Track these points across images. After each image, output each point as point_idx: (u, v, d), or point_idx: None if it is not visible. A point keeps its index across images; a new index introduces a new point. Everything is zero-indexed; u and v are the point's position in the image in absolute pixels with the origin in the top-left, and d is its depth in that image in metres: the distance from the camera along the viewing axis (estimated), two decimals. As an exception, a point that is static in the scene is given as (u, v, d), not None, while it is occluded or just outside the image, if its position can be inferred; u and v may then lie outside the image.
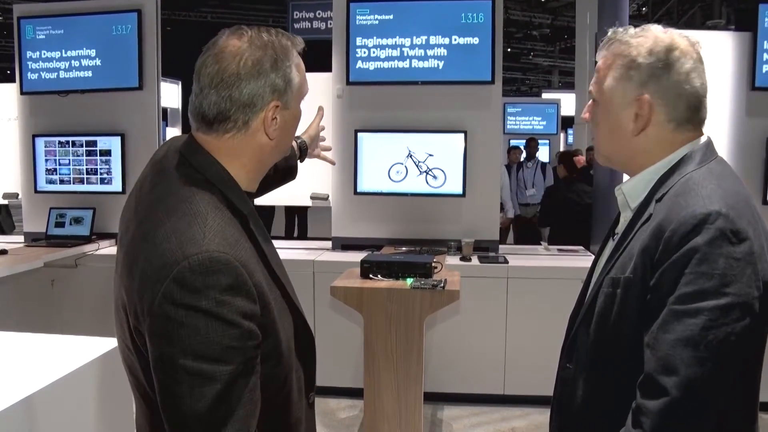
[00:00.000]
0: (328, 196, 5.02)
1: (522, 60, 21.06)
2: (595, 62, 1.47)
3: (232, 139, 1.24)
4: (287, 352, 1.25)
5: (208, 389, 1.07)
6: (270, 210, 8.70)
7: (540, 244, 5.36)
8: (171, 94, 9.24)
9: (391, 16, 4.71)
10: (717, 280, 1.16)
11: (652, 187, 1.36)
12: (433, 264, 3.38)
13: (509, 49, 18.76)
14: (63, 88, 5.07)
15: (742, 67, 4.57)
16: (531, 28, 17.59)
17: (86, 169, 5.06)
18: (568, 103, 12.95)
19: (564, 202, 6.37)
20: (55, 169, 5.10)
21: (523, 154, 9.27)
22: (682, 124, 1.36)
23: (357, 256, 3.65)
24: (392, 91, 4.79)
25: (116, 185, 5.00)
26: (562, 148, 13.22)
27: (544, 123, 12.99)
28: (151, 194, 1.23)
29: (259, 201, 5.45)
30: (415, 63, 4.71)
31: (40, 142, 5.11)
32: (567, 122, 13.69)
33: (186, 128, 9.58)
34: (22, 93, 5.16)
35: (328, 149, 2.47)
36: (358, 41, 4.74)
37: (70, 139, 5.07)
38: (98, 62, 5.00)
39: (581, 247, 5.22)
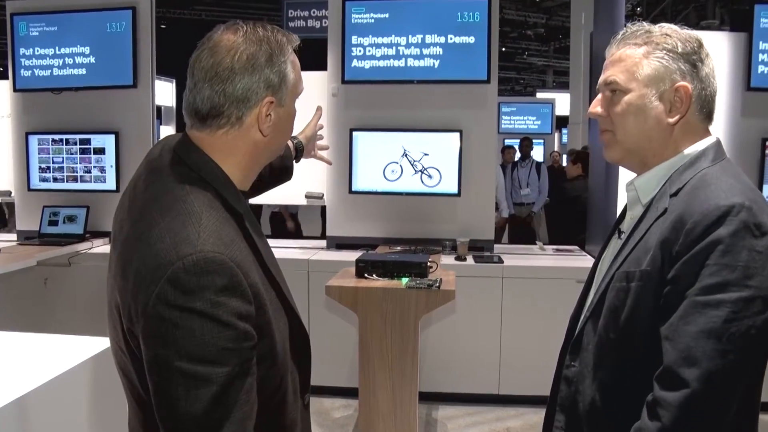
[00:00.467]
0: (323, 195, 5.01)
1: (516, 59, 21.08)
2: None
3: (226, 136, 1.23)
4: (283, 353, 1.23)
5: (203, 391, 1.06)
6: (257, 209, 8.65)
7: (535, 244, 5.35)
8: (165, 93, 9.20)
9: (387, 15, 4.70)
10: (740, 272, 1.17)
11: (665, 183, 1.36)
12: (429, 264, 3.37)
13: (504, 49, 18.77)
14: (57, 86, 5.04)
15: (737, 67, 4.58)
16: (526, 28, 17.61)
17: (80, 167, 5.04)
18: (562, 102, 13.00)
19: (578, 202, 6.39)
20: (49, 167, 5.08)
21: (518, 154, 9.27)
22: (706, 119, 1.38)
23: (352, 256, 3.64)
24: (388, 90, 4.78)
25: (110, 183, 4.98)
26: (556, 148, 13.26)
27: (539, 123, 13.02)
28: (145, 193, 1.21)
29: (253, 199, 5.41)
30: (411, 62, 4.70)
31: (34, 140, 5.08)
32: (561, 122, 13.73)
33: (180, 126, 9.55)
34: (15, 90, 5.13)
35: (325, 148, 2.43)
36: (354, 40, 4.73)
37: (64, 137, 5.04)
38: (92, 60, 4.97)
39: (576, 247, 5.22)
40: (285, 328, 1.26)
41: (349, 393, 4.24)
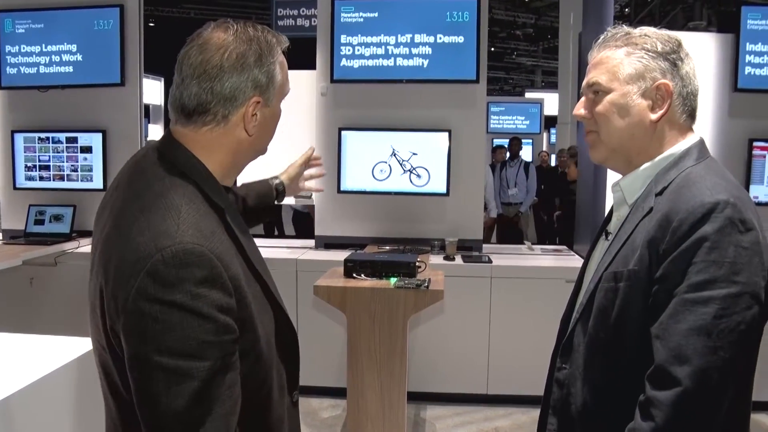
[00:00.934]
0: (312, 195, 4.99)
1: (505, 59, 21.12)
2: (581, 63, 1.47)
3: (210, 133, 1.23)
4: (267, 349, 1.23)
5: (185, 387, 1.05)
6: (277, 209, 8.59)
7: (523, 244, 5.36)
8: (153, 91, 9.17)
9: (376, 14, 4.69)
10: (727, 268, 1.18)
11: (649, 183, 1.37)
12: (417, 263, 3.37)
13: (493, 49, 18.81)
14: (43, 84, 4.99)
15: (724, 68, 4.60)
16: (514, 28, 17.65)
17: (67, 165, 5.00)
18: (551, 102, 13.04)
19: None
20: (35, 166, 5.04)
21: (507, 154, 9.30)
22: (689, 117, 1.40)
23: (340, 255, 3.63)
24: (376, 89, 4.78)
25: (97, 182, 4.94)
26: (545, 148, 13.30)
27: (528, 122, 13.06)
28: (127, 191, 1.21)
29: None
30: (400, 61, 4.69)
31: (19, 138, 5.04)
32: (550, 122, 13.77)
33: (168, 125, 9.55)
34: (0, 88, 5.08)
35: (318, 176, 2.34)
36: (343, 39, 4.72)
37: (50, 135, 5.00)
38: (79, 57, 4.93)
39: (564, 247, 5.24)
40: (270, 323, 1.25)
41: (337, 393, 4.24)
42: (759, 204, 4.47)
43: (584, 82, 1.45)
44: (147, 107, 8.98)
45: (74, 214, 4.84)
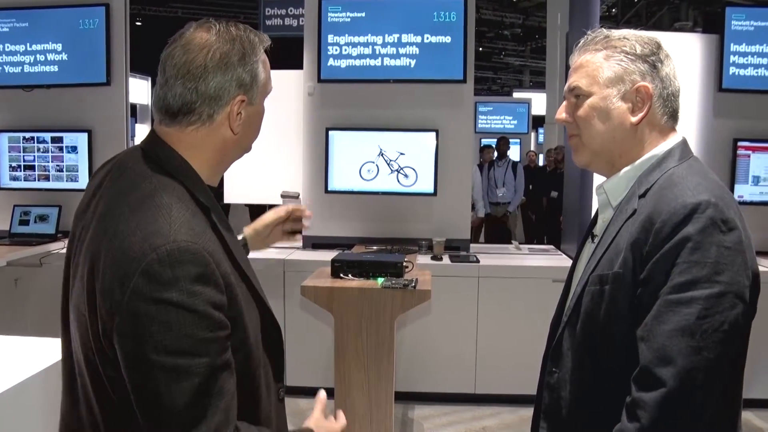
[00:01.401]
0: (299, 195, 4.99)
1: (493, 59, 21.18)
2: (568, 64, 1.48)
3: (196, 132, 1.23)
4: (255, 345, 1.23)
5: (185, 384, 1.05)
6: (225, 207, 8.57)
7: (511, 243, 5.38)
8: (140, 90, 9.13)
9: (363, 14, 4.69)
10: (710, 269, 1.18)
11: (633, 185, 1.37)
12: (404, 263, 3.37)
13: (481, 49, 18.86)
14: (28, 83, 4.95)
15: (709, 68, 4.64)
16: (502, 28, 17.71)
17: (52, 165, 4.97)
18: (539, 102, 13.09)
19: None
20: (20, 166, 5.00)
21: (494, 154, 9.31)
22: (670, 118, 1.40)
23: (328, 255, 3.62)
24: (364, 89, 4.78)
25: (83, 182, 4.91)
26: (532, 147, 13.34)
27: (515, 122, 13.09)
28: (112, 191, 1.20)
29: (229, 199, 5.35)
30: (387, 61, 4.70)
31: (4, 138, 5.00)
32: (538, 121, 13.82)
33: (155, 125, 9.49)
34: (-15, 87, 5.04)
35: (307, 216, 2.05)
36: (330, 39, 4.72)
37: (35, 135, 4.97)
38: (65, 57, 4.90)
39: (552, 247, 5.27)
40: (256, 321, 1.26)
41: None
42: (744, 203, 4.51)
43: (566, 86, 1.46)
44: (134, 107, 8.94)
45: (59, 215, 4.81)
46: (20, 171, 5.00)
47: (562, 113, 1.47)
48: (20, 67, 4.96)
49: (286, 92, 4.84)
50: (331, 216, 4.89)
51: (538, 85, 18.33)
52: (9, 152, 5.00)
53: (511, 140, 10.07)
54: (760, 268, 1.32)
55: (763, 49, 4.58)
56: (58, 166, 4.96)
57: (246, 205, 8.09)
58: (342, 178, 4.78)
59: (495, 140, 9.57)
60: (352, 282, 3.23)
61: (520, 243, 5.35)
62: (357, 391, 3.24)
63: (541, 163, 11.44)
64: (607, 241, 1.35)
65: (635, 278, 1.26)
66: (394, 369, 3.28)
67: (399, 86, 4.74)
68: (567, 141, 1.53)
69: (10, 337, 2.18)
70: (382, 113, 4.79)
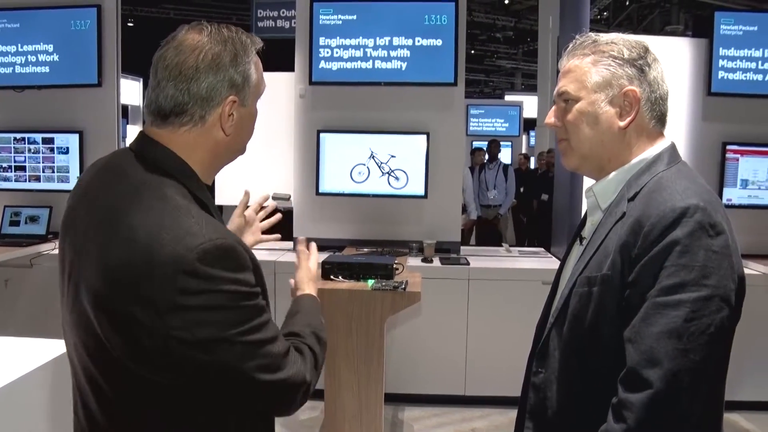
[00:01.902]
0: (290, 197, 5.00)
1: (485, 62, 21.20)
2: (557, 68, 1.49)
3: (188, 134, 1.24)
4: None
5: (269, 348, 1.19)
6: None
7: (501, 246, 5.40)
8: (132, 91, 9.10)
9: (355, 17, 4.70)
10: (697, 272, 1.20)
11: (622, 188, 1.39)
12: (395, 265, 3.39)
13: (473, 51, 18.88)
14: (19, 84, 4.94)
15: (698, 72, 4.67)
16: (494, 31, 17.72)
17: (43, 166, 4.96)
18: (530, 105, 13.12)
19: None
20: (10, 167, 4.99)
21: (485, 156, 9.34)
22: (658, 122, 1.42)
23: (318, 257, 3.63)
24: (355, 91, 4.79)
25: (73, 184, 4.88)
26: (524, 150, 13.37)
27: (507, 125, 13.13)
28: (111, 195, 1.20)
29: (220, 201, 5.34)
30: (378, 64, 4.71)
31: (-5, 139, 4.99)
32: (529, 124, 13.85)
33: (146, 126, 9.45)
34: (-25, 88, 5.03)
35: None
36: (321, 41, 4.73)
37: (26, 135, 4.95)
38: (56, 57, 4.90)
39: (542, 249, 5.29)
40: None
41: (314, 394, 4.22)
42: (732, 207, 4.54)
43: (554, 91, 1.48)
44: (125, 108, 8.92)
45: (50, 216, 4.79)
46: (11, 172, 4.99)
47: (551, 117, 1.49)
48: (11, 68, 4.95)
49: (278, 94, 4.85)
50: (321, 218, 4.90)
51: (530, 88, 18.36)
52: (0, 153, 4.99)
53: (502, 143, 10.09)
54: (749, 271, 1.35)
55: (751, 54, 4.62)
56: (49, 167, 4.95)
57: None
58: (333, 180, 4.79)
59: (486, 143, 9.60)
60: (342, 284, 3.25)
61: (510, 245, 5.37)
62: (347, 392, 3.25)
63: (532, 165, 11.47)
64: (596, 243, 1.37)
65: (623, 280, 1.27)
66: (384, 370, 3.30)
67: (390, 89, 4.76)
68: (557, 144, 1.55)
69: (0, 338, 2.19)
70: (373, 116, 4.80)
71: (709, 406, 1.26)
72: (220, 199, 4.99)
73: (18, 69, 4.94)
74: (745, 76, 4.65)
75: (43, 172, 4.97)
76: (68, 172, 4.93)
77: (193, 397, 1.17)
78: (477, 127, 12.89)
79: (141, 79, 9.36)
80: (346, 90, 4.80)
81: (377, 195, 4.77)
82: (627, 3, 14.88)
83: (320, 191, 4.81)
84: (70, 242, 1.25)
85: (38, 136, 4.95)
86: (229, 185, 4.96)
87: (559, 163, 5.41)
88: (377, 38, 4.69)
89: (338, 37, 4.72)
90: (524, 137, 14.25)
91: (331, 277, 3.29)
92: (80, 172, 4.87)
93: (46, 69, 4.91)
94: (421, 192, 4.72)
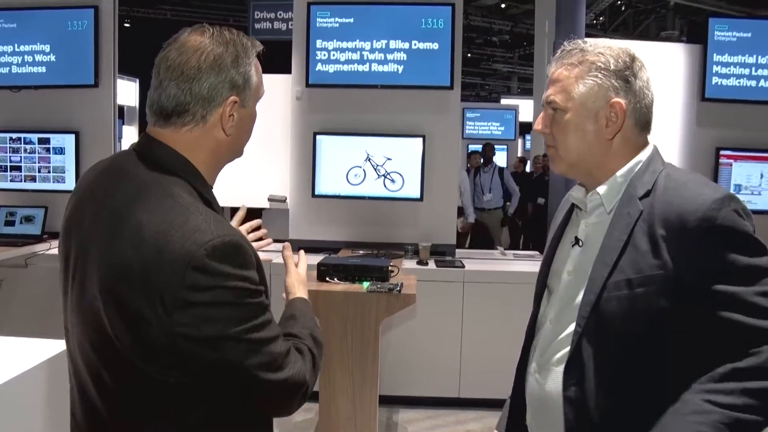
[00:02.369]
0: (286, 198, 5.01)
1: (482, 65, 21.23)
2: (547, 74, 1.51)
3: (190, 133, 1.25)
4: None
5: (271, 347, 1.21)
6: None
7: (496, 249, 5.41)
8: (128, 92, 9.08)
9: (352, 20, 4.72)
10: (756, 245, 1.28)
11: (625, 189, 1.41)
12: (390, 268, 3.39)
13: (469, 55, 18.91)
14: (15, 84, 4.94)
15: (693, 78, 4.70)
16: (491, 34, 17.76)
17: (38, 166, 4.95)
18: (526, 109, 13.14)
19: None
20: (6, 167, 4.98)
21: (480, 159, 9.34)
22: (643, 129, 1.44)
23: (314, 259, 3.64)
24: (351, 94, 4.81)
25: (69, 184, 4.90)
26: (519, 154, 13.39)
27: (503, 128, 13.15)
28: (118, 196, 1.21)
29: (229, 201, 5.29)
30: (375, 67, 4.72)
31: (-9, 139, 4.99)
32: (525, 128, 13.87)
33: (143, 127, 9.43)
34: (-28, 87, 5.02)
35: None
36: (318, 44, 4.75)
37: (22, 135, 4.95)
38: (52, 58, 4.90)
39: (536, 252, 5.30)
40: None
41: (309, 396, 4.24)
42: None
43: (543, 97, 1.49)
44: (121, 108, 8.89)
45: (45, 216, 4.79)
46: (7, 172, 4.98)
47: (539, 124, 1.50)
48: (8, 68, 4.95)
49: (275, 96, 4.85)
50: (317, 220, 4.90)
51: (526, 92, 18.40)
52: (-5, 153, 4.99)
53: (498, 146, 10.11)
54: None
55: (745, 60, 4.66)
56: (44, 167, 4.95)
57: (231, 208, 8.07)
58: (329, 182, 4.80)
59: (481, 146, 9.61)
60: (337, 285, 3.25)
61: (505, 248, 5.39)
62: (341, 394, 3.26)
63: (527, 169, 11.49)
64: (614, 245, 1.36)
65: (678, 276, 1.28)
66: (379, 372, 3.31)
67: (386, 92, 4.77)
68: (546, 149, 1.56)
69: (-5, 338, 2.18)
70: (369, 118, 4.81)
71: None
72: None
73: (15, 69, 4.94)
74: (739, 82, 4.68)
75: (39, 172, 4.96)
76: (64, 172, 4.93)
77: (196, 396, 1.19)
78: (473, 130, 12.90)
79: (137, 80, 9.34)
80: (343, 92, 4.81)
81: (373, 197, 4.78)
82: (623, 8, 14.93)
83: (316, 193, 4.82)
84: (75, 242, 1.26)
85: (34, 136, 4.95)
86: (226, 187, 4.95)
87: (553, 167, 5.43)
88: (374, 41, 4.71)
89: (335, 40, 4.74)
90: (520, 141, 14.28)
91: (327, 278, 3.30)
92: (76, 173, 4.88)
93: (43, 69, 4.92)
94: (417, 195, 4.73)
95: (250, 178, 4.86)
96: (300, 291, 1.67)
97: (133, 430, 1.21)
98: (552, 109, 1.46)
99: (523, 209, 9.65)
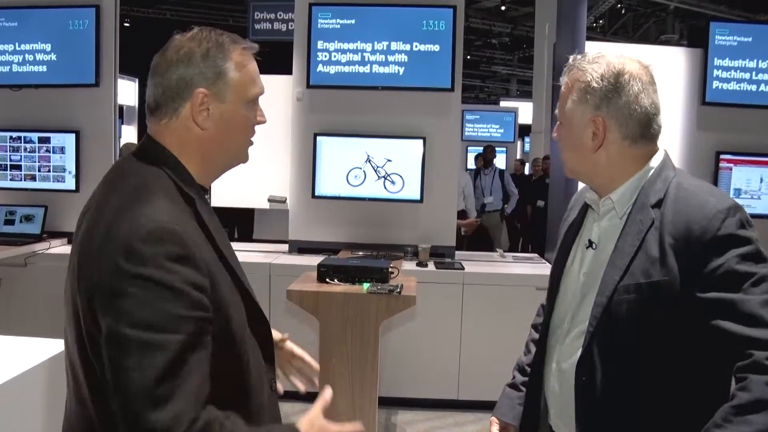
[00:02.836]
0: (286, 199, 5.01)
1: (481, 68, 21.24)
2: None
3: (168, 126, 1.30)
4: (241, 333, 1.27)
5: (156, 359, 1.06)
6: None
7: (495, 251, 5.41)
8: (128, 92, 9.08)
9: (353, 21, 4.72)
10: (757, 255, 1.31)
11: (638, 195, 1.45)
12: (390, 269, 3.39)
13: (468, 57, 18.90)
14: (16, 82, 4.93)
15: (693, 82, 4.71)
16: (490, 37, 17.76)
17: (39, 166, 4.95)
18: (525, 111, 13.14)
19: None
20: (6, 165, 4.97)
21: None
22: (637, 140, 1.46)
23: (314, 260, 3.64)
24: (352, 95, 4.81)
25: (69, 183, 4.90)
26: (518, 156, 13.39)
27: (502, 131, 13.16)
28: (105, 188, 1.28)
29: (216, 202, 5.33)
30: (376, 68, 4.73)
31: (-9, 137, 4.98)
32: (524, 130, 13.87)
33: (142, 126, 9.39)
34: (-28, 86, 5.01)
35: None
36: (320, 45, 4.75)
37: (23, 134, 4.95)
38: (53, 57, 4.89)
39: (536, 255, 5.30)
40: (242, 311, 1.29)
41: (308, 397, 4.23)
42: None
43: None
44: (121, 108, 8.89)
45: (45, 215, 4.78)
46: (7, 171, 4.98)
47: (555, 133, 1.58)
48: (9, 67, 4.94)
49: (275, 97, 4.85)
50: (317, 221, 4.90)
51: (525, 94, 18.42)
52: (-5, 152, 4.98)
53: (497, 149, 10.11)
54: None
55: (745, 64, 4.67)
56: (44, 166, 4.94)
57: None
58: (329, 183, 4.80)
59: (481, 148, 9.61)
60: (337, 287, 3.25)
61: (504, 251, 5.39)
62: (341, 395, 3.25)
63: (527, 171, 11.49)
64: (626, 250, 1.41)
65: (684, 282, 1.33)
66: (378, 374, 3.30)
67: (387, 93, 4.77)
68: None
69: (-5, 337, 2.18)
70: (370, 120, 4.81)
71: None
72: (216, 201, 5.00)
73: (15, 68, 4.94)
74: (739, 87, 4.69)
75: (39, 171, 4.96)
76: (64, 171, 4.92)
77: None
78: (472, 132, 12.91)
79: (137, 80, 9.34)
80: (344, 94, 4.81)
81: (373, 198, 4.78)
82: (623, 12, 14.94)
83: (316, 194, 4.81)
84: (74, 239, 1.30)
85: (34, 135, 4.94)
86: (226, 188, 4.96)
87: (554, 170, 5.43)
88: (375, 43, 4.71)
89: (336, 41, 4.74)
90: (519, 143, 14.29)
91: (327, 280, 3.30)
92: (76, 172, 4.88)
93: (44, 68, 4.91)
94: (417, 196, 4.73)
95: (251, 178, 4.86)
96: (304, 427, 1.35)
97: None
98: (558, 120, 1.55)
99: (522, 211, 9.65)
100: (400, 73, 4.71)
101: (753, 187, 4.70)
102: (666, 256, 1.35)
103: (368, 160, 4.75)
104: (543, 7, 11.31)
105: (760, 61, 4.68)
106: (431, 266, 4.52)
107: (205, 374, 1.13)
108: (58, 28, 4.86)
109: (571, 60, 1.52)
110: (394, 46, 4.71)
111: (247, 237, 8.53)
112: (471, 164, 11.78)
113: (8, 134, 4.96)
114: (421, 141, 4.72)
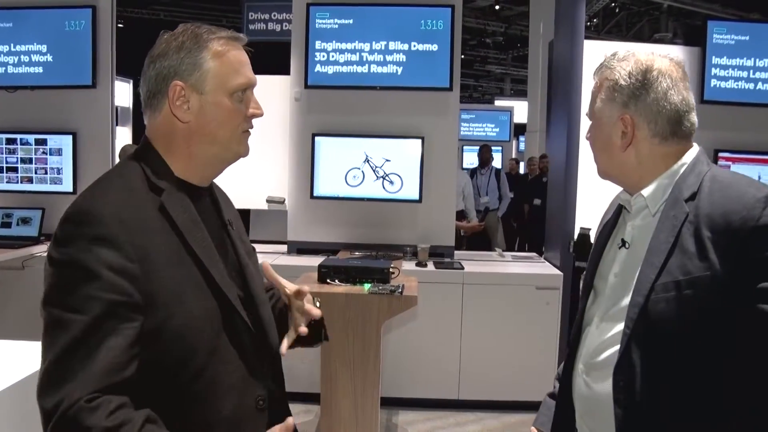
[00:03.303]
0: (285, 200, 4.99)
1: (475, 67, 21.26)
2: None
3: (154, 121, 1.33)
4: (195, 333, 1.21)
5: (60, 337, 1.08)
6: None
7: (494, 251, 5.41)
8: (123, 93, 9.05)
9: (351, 21, 4.71)
10: None
11: (671, 190, 1.42)
12: (391, 269, 3.39)
13: (463, 56, 18.90)
14: (11, 84, 4.91)
15: (691, 80, 4.65)
16: (485, 36, 17.77)
17: (35, 168, 4.92)
18: (520, 110, 13.17)
19: None
20: (2, 168, 4.95)
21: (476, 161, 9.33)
22: (667, 138, 1.44)
23: (313, 261, 3.63)
24: (350, 95, 4.80)
25: (67, 185, 4.87)
26: (514, 155, 13.41)
27: (497, 130, 13.18)
28: None
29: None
30: (374, 68, 4.72)
31: (-14, 139, 4.95)
32: (519, 129, 13.91)
33: (137, 127, 9.37)
34: (-33, 88, 4.98)
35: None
36: (318, 45, 4.74)
37: (19, 136, 4.92)
38: (49, 58, 4.87)
39: (535, 254, 5.30)
40: (204, 312, 1.24)
41: (310, 398, 4.23)
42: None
43: None
44: (116, 109, 8.86)
45: (42, 217, 4.76)
46: (3, 173, 4.95)
47: (587, 134, 1.57)
48: (4, 68, 4.92)
49: (273, 97, 4.84)
50: (316, 221, 4.89)
51: (519, 93, 18.43)
52: (-8, 154, 4.96)
53: (492, 148, 10.11)
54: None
55: (743, 63, 4.68)
56: (41, 168, 4.91)
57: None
58: (328, 183, 4.79)
59: (477, 147, 9.60)
60: (338, 287, 3.25)
61: (502, 250, 5.39)
62: (343, 396, 3.25)
63: (522, 170, 11.50)
64: (661, 247, 1.37)
65: (726, 276, 1.29)
66: (380, 374, 3.30)
67: (385, 93, 4.77)
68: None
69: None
70: (368, 120, 4.81)
71: None
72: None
73: (11, 69, 4.92)
74: (737, 85, 4.71)
75: (36, 173, 4.93)
76: (61, 173, 4.90)
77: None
78: (467, 131, 12.92)
79: (131, 81, 9.31)
80: (342, 94, 4.80)
81: (372, 199, 4.77)
82: (617, 10, 14.97)
83: (315, 195, 4.80)
84: None
85: (31, 137, 4.92)
86: (224, 187, 4.94)
87: (552, 168, 5.43)
88: (373, 42, 4.71)
89: (334, 41, 4.73)
90: (514, 142, 14.31)
91: (328, 280, 3.30)
92: (74, 174, 4.85)
93: (40, 69, 4.89)
94: (416, 196, 4.73)
95: (249, 179, 4.84)
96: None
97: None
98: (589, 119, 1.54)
99: (519, 211, 9.66)
100: (399, 73, 4.71)
101: (751, 185, 4.72)
102: (705, 250, 1.31)
103: (367, 161, 4.74)
104: (537, 5, 11.35)
105: (757, 60, 4.69)
106: (431, 266, 4.52)
107: (115, 362, 1.10)
108: (54, 29, 4.84)
109: (603, 59, 1.51)
110: (392, 45, 4.70)
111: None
112: (467, 164, 11.80)
113: (4, 136, 4.94)
114: (419, 141, 4.72)
